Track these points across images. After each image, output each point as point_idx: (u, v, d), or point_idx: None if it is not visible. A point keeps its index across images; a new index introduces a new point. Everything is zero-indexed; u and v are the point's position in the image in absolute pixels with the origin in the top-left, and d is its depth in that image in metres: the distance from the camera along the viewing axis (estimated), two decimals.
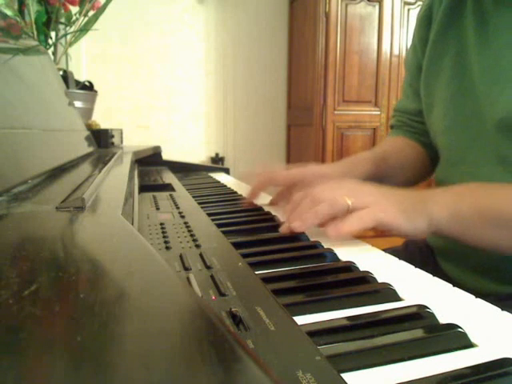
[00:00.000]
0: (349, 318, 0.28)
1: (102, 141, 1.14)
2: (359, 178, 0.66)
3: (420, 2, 2.47)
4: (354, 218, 0.44)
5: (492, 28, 0.56)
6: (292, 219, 0.49)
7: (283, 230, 0.49)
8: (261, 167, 0.70)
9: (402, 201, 0.47)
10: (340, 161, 0.72)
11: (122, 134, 1.38)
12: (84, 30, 1.24)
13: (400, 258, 0.43)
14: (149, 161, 1.23)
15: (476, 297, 0.33)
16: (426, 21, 0.68)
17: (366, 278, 0.35)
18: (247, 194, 0.69)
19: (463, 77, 0.60)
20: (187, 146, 2.75)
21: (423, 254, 0.73)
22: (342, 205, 0.46)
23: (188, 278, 0.32)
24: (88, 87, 1.37)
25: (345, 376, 0.21)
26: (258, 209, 0.64)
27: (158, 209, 0.60)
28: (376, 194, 0.48)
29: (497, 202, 0.46)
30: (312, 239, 0.47)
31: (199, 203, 0.66)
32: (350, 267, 0.38)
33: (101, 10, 1.24)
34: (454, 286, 0.35)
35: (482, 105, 0.57)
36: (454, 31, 0.62)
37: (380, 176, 0.69)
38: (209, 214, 0.57)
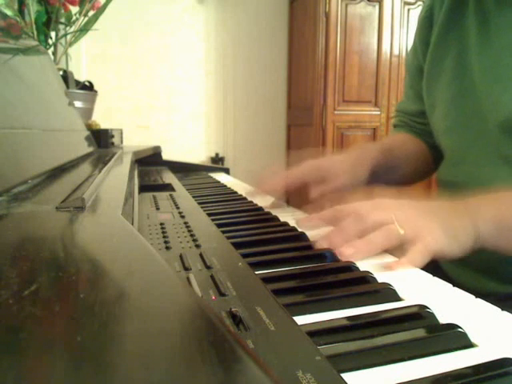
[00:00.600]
0: (349, 318, 0.28)
1: (102, 141, 1.14)
2: (368, 165, 0.66)
3: (420, 2, 2.47)
4: (413, 255, 0.40)
5: (493, 28, 0.56)
6: (338, 243, 0.42)
7: (319, 245, 0.44)
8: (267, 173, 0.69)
9: (447, 220, 0.44)
10: (349, 151, 0.70)
11: (122, 134, 1.38)
12: (84, 29, 1.24)
13: (400, 258, 0.42)
14: (149, 161, 1.23)
15: (476, 297, 0.33)
16: (427, 22, 0.68)
17: (366, 278, 0.35)
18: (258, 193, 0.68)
19: (464, 77, 0.60)
20: (187, 145, 2.75)
21: None
22: (395, 237, 0.41)
23: (188, 278, 0.32)
24: (88, 87, 1.37)
25: (345, 376, 0.21)
26: (258, 209, 0.64)
27: (158, 209, 0.60)
28: (422, 216, 0.44)
29: None
30: (312, 239, 0.47)
31: (199, 203, 0.66)
32: (350, 267, 0.38)
33: (101, 10, 1.24)
34: (454, 286, 0.35)
35: (483, 105, 0.57)
36: (456, 32, 0.62)
37: (386, 166, 0.69)
38: (209, 214, 0.57)
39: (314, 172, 0.64)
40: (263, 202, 0.68)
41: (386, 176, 0.70)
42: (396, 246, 0.42)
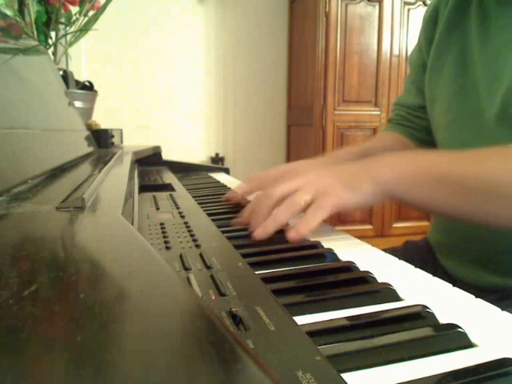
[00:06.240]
0: (349, 318, 0.28)
1: (102, 141, 1.14)
2: None
3: (420, 2, 2.47)
4: (308, 216, 0.46)
5: (494, 26, 0.58)
6: (254, 225, 0.48)
7: (255, 236, 0.47)
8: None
9: (346, 173, 0.49)
10: (326, 154, 0.75)
11: (121, 134, 1.38)
12: (84, 29, 1.24)
13: (400, 258, 0.43)
14: (149, 161, 1.23)
15: (476, 292, 0.33)
16: (431, 21, 0.70)
17: (366, 278, 0.35)
18: (235, 194, 0.69)
19: (466, 75, 0.61)
20: (187, 145, 2.75)
21: (423, 252, 0.73)
22: (298, 206, 0.47)
23: (188, 278, 0.32)
24: (88, 87, 1.37)
25: (345, 376, 0.21)
26: None
27: (158, 209, 0.60)
28: (324, 177, 0.49)
29: (446, 164, 0.47)
30: (312, 239, 0.47)
31: (199, 203, 0.66)
32: (349, 267, 0.38)
33: (101, 10, 1.24)
34: (454, 281, 0.35)
35: (482, 101, 0.58)
36: (459, 31, 0.64)
37: None
38: (209, 214, 0.57)
39: (286, 175, 0.66)
40: None
41: None
42: (299, 212, 0.47)
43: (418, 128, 0.76)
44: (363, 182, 0.47)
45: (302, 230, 0.45)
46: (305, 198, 0.46)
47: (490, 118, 0.56)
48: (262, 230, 0.47)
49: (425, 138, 0.73)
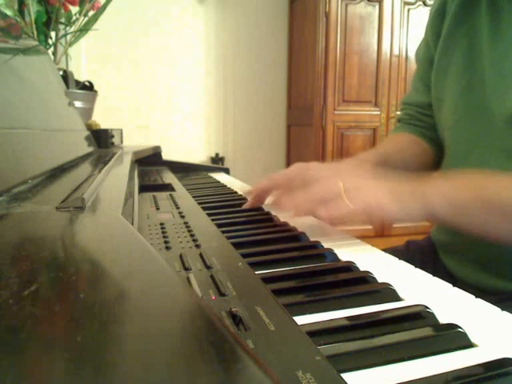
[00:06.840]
0: (349, 318, 0.28)
1: (102, 141, 1.14)
2: None
3: (420, 2, 2.47)
4: (343, 200, 0.45)
5: (505, 23, 0.57)
6: (284, 201, 0.50)
7: (274, 202, 0.51)
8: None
9: (397, 187, 0.48)
10: (341, 162, 0.72)
11: (121, 134, 1.38)
12: (84, 29, 1.24)
13: (400, 258, 0.43)
14: (149, 161, 1.23)
15: (476, 292, 0.33)
16: (439, 15, 0.69)
17: (366, 278, 0.35)
18: (249, 200, 0.67)
19: (474, 71, 0.61)
20: (187, 145, 2.75)
21: (424, 252, 0.73)
22: (333, 188, 0.47)
23: (188, 278, 0.32)
24: (88, 87, 1.37)
25: (345, 376, 0.21)
26: (258, 209, 0.64)
27: (158, 209, 0.60)
28: (369, 178, 0.49)
29: (499, 191, 0.46)
30: (312, 239, 0.47)
31: (199, 203, 0.66)
32: (349, 267, 0.38)
33: (101, 10, 1.24)
34: (455, 281, 0.35)
35: (490, 99, 0.57)
36: (467, 26, 0.62)
37: None
38: (209, 214, 0.57)
39: (301, 176, 0.66)
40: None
41: None
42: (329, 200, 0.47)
43: (428, 127, 0.75)
44: (410, 201, 0.46)
45: (333, 211, 0.45)
46: (343, 184, 0.46)
47: (500, 117, 0.56)
48: (291, 204, 0.49)
49: (436, 137, 0.72)
